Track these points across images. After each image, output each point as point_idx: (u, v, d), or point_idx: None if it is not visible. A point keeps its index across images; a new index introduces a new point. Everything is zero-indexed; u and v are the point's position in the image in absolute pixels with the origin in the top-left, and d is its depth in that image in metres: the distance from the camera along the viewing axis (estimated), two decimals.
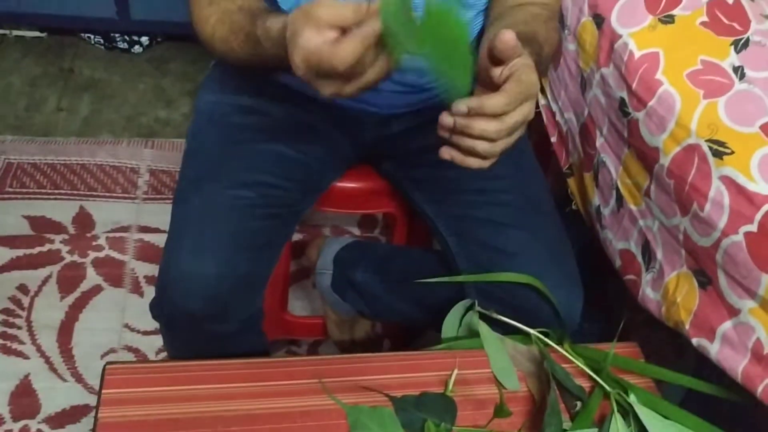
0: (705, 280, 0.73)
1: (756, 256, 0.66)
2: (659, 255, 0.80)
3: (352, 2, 0.52)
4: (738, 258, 0.67)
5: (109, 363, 0.66)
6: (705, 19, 0.85)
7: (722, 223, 0.69)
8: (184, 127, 1.63)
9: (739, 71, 0.79)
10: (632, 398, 0.66)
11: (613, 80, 0.86)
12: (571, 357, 0.71)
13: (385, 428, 0.61)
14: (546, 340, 0.72)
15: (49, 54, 1.79)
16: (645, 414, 0.64)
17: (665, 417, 0.65)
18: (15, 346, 1.17)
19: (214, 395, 0.64)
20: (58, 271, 1.29)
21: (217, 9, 0.71)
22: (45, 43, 1.82)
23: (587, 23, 0.93)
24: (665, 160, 0.77)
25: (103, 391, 0.63)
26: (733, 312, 0.69)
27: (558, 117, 1.04)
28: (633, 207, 0.85)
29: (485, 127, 0.54)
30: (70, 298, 1.25)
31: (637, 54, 0.83)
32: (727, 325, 0.70)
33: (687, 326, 0.74)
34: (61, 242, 1.33)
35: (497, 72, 0.55)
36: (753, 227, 0.67)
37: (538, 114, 1.10)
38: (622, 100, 0.84)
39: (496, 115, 0.54)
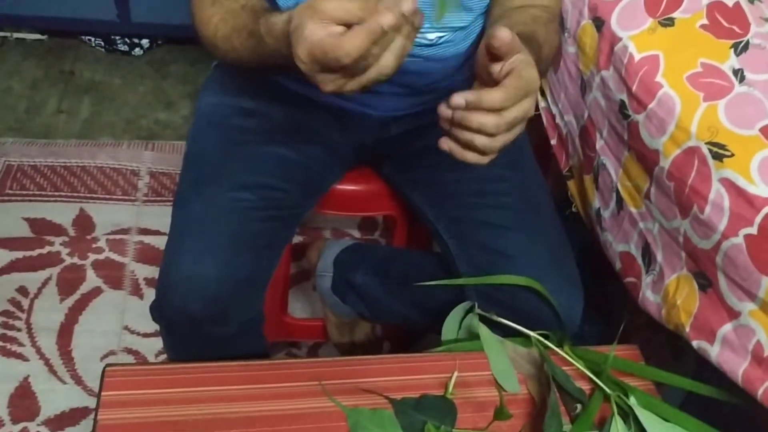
0: (705, 282, 0.73)
1: (756, 259, 0.66)
2: (659, 257, 0.80)
3: None
4: (738, 260, 0.67)
5: (108, 365, 0.66)
6: (705, 22, 0.85)
7: (722, 225, 0.69)
8: (185, 129, 1.63)
9: (739, 74, 0.79)
10: (632, 401, 0.66)
11: (613, 83, 0.87)
12: (571, 359, 0.71)
13: (385, 431, 0.61)
14: (546, 342, 0.72)
15: (49, 56, 1.80)
16: (645, 416, 0.64)
17: (665, 419, 0.65)
18: (14, 348, 1.17)
19: (214, 397, 0.64)
20: (58, 273, 1.29)
21: (221, 8, 0.71)
22: (45, 46, 1.82)
23: (587, 26, 0.93)
24: (665, 163, 0.77)
25: (103, 393, 0.63)
26: (734, 314, 0.69)
27: (558, 119, 1.04)
28: (633, 209, 0.85)
29: (483, 120, 0.53)
30: (70, 301, 1.25)
31: (637, 57, 0.83)
32: (727, 328, 0.70)
33: (687, 329, 0.74)
34: (61, 244, 1.33)
35: (497, 68, 0.54)
36: (753, 230, 0.67)
37: (537, 116, 1.10)
38: (622, 102, 0.84)
39: (494, 110, 0.54)
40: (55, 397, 1.11)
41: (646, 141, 0.80)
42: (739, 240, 0.67)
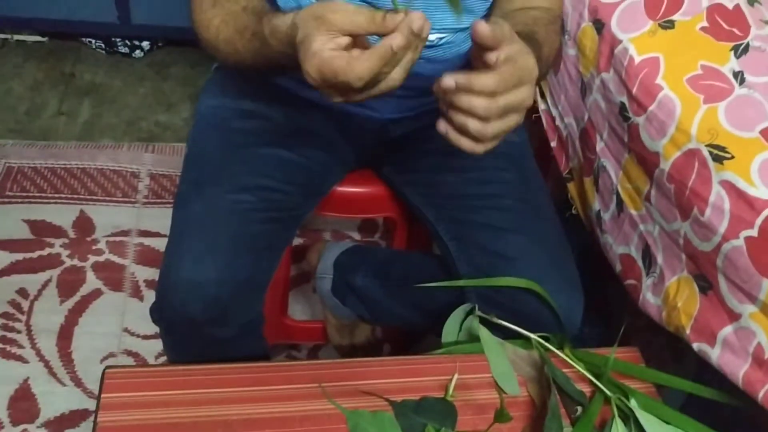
0: (706, 284, 0.73)
1: (756, 261, 0.66)
2: (660, 260, 0.80)
3: (364, 6, 0.52)
4: (739, 263, 0.67)
5: (108, 367, 0.66)
6: (705, 24, 0.85)
7: (723, 227, 0.69)
8: (185, 131, 1.64)
9: (739, 76, 0.79)
10: (633, 403, 0.65)
11: (613, 85, 0.87)
12: (571, 362, 0.71)
13: None
14: (546, 344, 0.72)
15: (50, 58, 1.80)
16: (646, 419, 0.64)
17: (666, 422, 0.65)
18: (14, 350, 1.17)
19: (213, 399, 0.64)
20: (58, 275, 1.29)
21: (221, 10, 0.70)
22: (46, 48, 1.82)
23: (587, 28, 0.93)
24: (665, 165, 0.77)
25: (103, 395, 0.63)
26: (734, 317, 0.69)
27: (558, 122, 1.04)
28: (633, 212, 0.85)
29: (475, 103, 0.52)
30: (70, 302, 1.25)
31: (638, 59, 0.83)
32: (727, 330, 0.70)
33: (688, 331, 0.74)
34: (61, 246, 1.33)
35: (492, 57, 0.53)
36: (753, 232, 0.67)
37: (537, 119, 1.10)
38: (623, 104, 0.84)
39: (486, 93, 0.52)
40: (55, 399, 1.11)
41: (646, 143, 0.80)
42: (739, 242, 0.67)
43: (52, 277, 1.28)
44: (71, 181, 1.47)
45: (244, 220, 0.77)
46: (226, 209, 0.76)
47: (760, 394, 0.66)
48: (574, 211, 1.02)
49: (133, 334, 1.22)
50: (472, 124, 0.53)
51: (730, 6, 0.87)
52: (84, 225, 1.38)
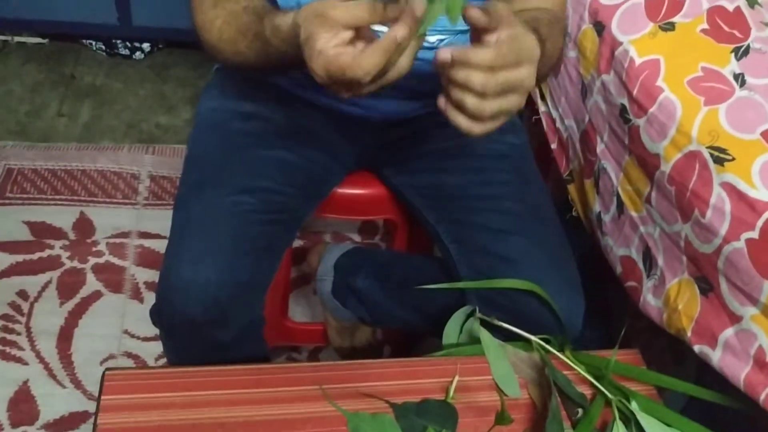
0: (706, 286, 0.73)
1: (758, 263, 0.66)
2: (660, 262, 0.80)
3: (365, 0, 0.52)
4: (740, 265, 0.67)
5: (108, 369, 0.66)
6: (705, 26, 0.85)
7: (723, 229, 0.69)
8: (185, 133, 1.63)
9: (739, 78, 0.79)
10: (634, 405, 0.65)
11: (613, 87, 0.87)
12: (572, 364, 0.71)
13: None
14: (547, 346, 0.72)
15: (50, 60, 1.80)
16: (647, 421, 0.64)
17: (667, 424, 0.65)
18: (14, 351, 1.16)
19: (213, 401, 0.64)
20: (58, 276, 1.29)
21: (222, 11, 0.70)
22: (47, 50, 1.83)
23: (588, 30, 0.93)
24: (666, 167, 0.77)
25: (103, 397, 0.63)
26: (735, 319, 0.69)
27: (558, 124, 1.04)
28: (634, 213, 0.85)
29: (471, 77, 0.50)
30: (70, 304, 1.25)
31: (638, 61, 0.83)
32: (728, 332, 0.70)
33: (688, 333, 0.74)
34: (61, 248, 1.33)
35: (492, 39, 0.52)
36: (754, 234, 0.67)
37: (538, 121, 1.10)
38: (623, 106, 0.84)
39: (483, 68, 0.50)
40: (55, 401, 1.11)
41: (647, 145, 0.80)
42: (740, 244, 0.67)
43: (52, 279, 1.28)
44: (71, 182, 1.47)
45: (244, 222, 0.76)
46: (227, 211, 0.76)
47: (762, 397, 0.66)
48: (574, 213, 1.02)
49: (133, 336, 1.21)
50: (470, 100, 0.51)
51: (731, 8, 0.87)
52: (84, 227, 1.38)
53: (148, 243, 1.37)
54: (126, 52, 1.82)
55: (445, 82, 0.53)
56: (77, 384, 1.13)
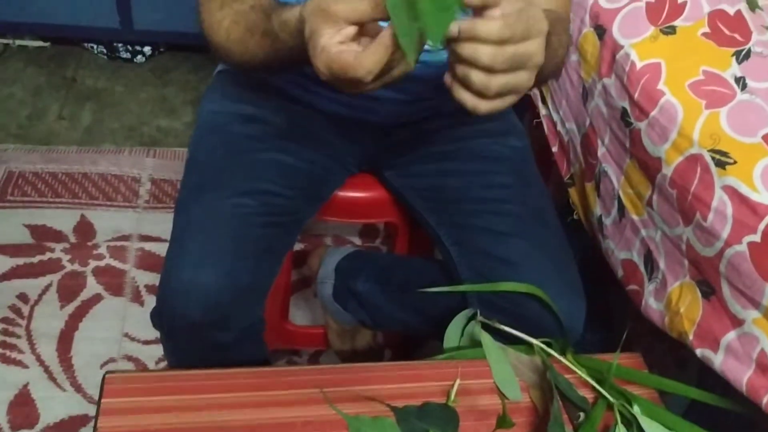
0: (708, 290, 0.73)
1: (760, 266, 0.66)
2: (662, 265, 0.80)
3: None
4: (742, 268, 0.67)
5: (108, 372, 0.66)
6: (706, 30, 0.85)
7: (725, 233, 0.69)
8: (186, 136, 1.64)
9: (740, 82, 0.79)
10: (636, 409, 0.65)
11: (614, 90, 0.87)
12: (574, 367, 0.71)
13: None
14: (549, 350, 0.71)
15: (51, 63, 1.80)
16: (648, 425, 0.64)
17: (669, 428, 0.64)
18: (14, 355, 1.16)
19: (214, 405, 0.63)
20: (59, 279, 1.29)
21: (230, 11, 0.70)
22: (48, 53, 1.83)
23: (589, 34, 0.93)
24: (668, 170, 0.77)
25: (103, 400, 0.63)
26: (737, 322, 0.69)
27: (559, 127, 1.04)
28: (635, 217, 0.85)
29: (479, 51, 0.48)
30: (70, 307, 1.25)
31: (639, 64, 0.83)
32: (731, 336, 0.69)
33: (690, 337, 0.74)
34: (61, 251, 1.33)
35: (497, 12, 0.49)
36: (756, 237, 0.66)
37: (539, 124, 1.10)
38: (624, 110, 0.84)
39: (491, 41, 0.48)
40: (55, 404, 1.10)
41: (648, 148, 0.80)
42: (742, 247, 0.67)
43: (53, 282, 1.28)
44: (72, 185, 1.47)
45: (245, 225, 0.76)
46: (227, 214, 0.76)
47: (764, 401, 0.66)
48: (575, 216, 1.02)
49: (133, 339, 1.21)
50: (476, 76, 0.49)
51: (732, 11, 0.87)
52: (85, 230, 1.38)
53: (148, 246, 1.37)
54: (127, 55, 1.83)
55: (450, 57, 0.51)
56: (77, 387, 1.13)
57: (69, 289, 1.27)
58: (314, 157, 0.86)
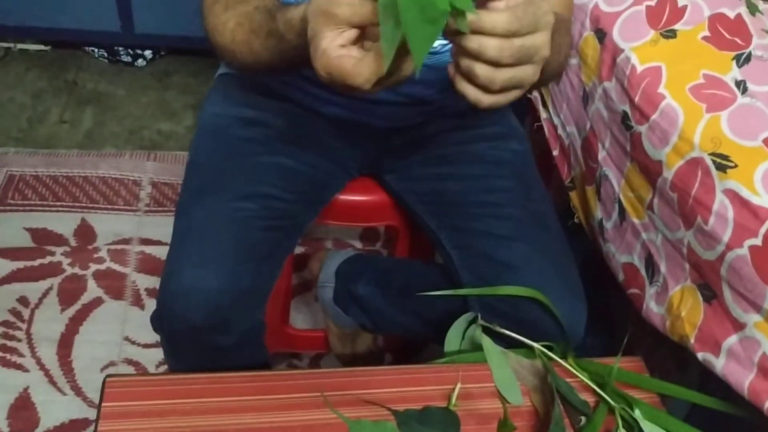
0: (710, 293, 0.72)
1: (761, 270, 0.66)
2: (663, 268, 0.80)
3: None
4: (743, 272, 0.67)
5: (109, 376, 0.66)
6: (707, 33, 0.85)
7: (726, 236, 0.69)
8: (187, 139, 1.64)
9: (741, 85, 0.79)
10: (637, 413, 0.65)
11: (615, 94, 0.87)
12: (575, 371, 0.71)
13: None
14: (550, 354, 0.71)
15: (52, 67, 1.80)
16: (650, 429, 0.64)
17: None
18: (14, 358, 1.16)
19: (214, 408, 0.63)
20: (59, 283, 1.29)
21: (234, 13, 0.70)
22: (49, 57, 1.83)
23: (589, 38, 0.93)
24: (668, 174, 0.77)
25: (103, 404, 0.63)
26: (739, 326, 0.69)
27: (560, 131, 1.05)
28: (636, 220, 0.85)
29: (485, 44, 0.46)
30: (71, 311, 1.25)
31: (640, 68, 0.83)
32: (732, 340, 0.69)
33: (692, 340, 0.74)
34: (62, 254, 1.33)
35: (501, 4, 0.48)
36: (758, 241, 0.66)
37: (540, 128, 1.10)
38: (625, 113, 0.84)
39: (497, 34, 0.47)
40: (55, 408, 1.10)
41: (648, 152, 0.80)
42: (743, 251, 0.67)
43: (53, 286, 1.28)
44: (73, 189, 1.47)
45: (245, 229, 0.76)
46: (228, 217, 0.76)
47: (766, 405, 0.65)
48: (576, 220, 1.02)
49: (133, 343, 1.21)
50: (481, 69, 0.47)
51: (732, 15, 0.87)
52: (85, 233, 1.38)
53: (149, 249, 1.37)
54: (128, 59, 1.83)
55: (454, 49, 0.50)
56: (78, 391, 1.13)
57: (69, 293, 1.27)
58: (315, 161, 0.87)
